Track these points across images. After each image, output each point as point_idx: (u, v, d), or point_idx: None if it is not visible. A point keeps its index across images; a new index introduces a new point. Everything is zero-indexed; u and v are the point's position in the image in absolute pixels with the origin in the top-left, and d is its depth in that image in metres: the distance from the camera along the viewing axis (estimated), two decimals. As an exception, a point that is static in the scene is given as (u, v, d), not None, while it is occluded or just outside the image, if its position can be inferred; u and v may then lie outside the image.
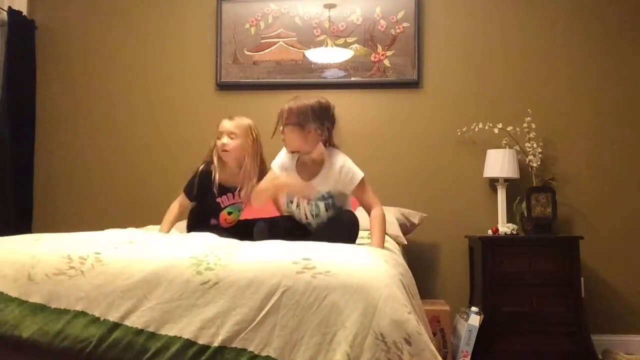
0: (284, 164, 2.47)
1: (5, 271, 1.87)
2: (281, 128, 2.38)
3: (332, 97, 3.68)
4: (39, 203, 4.07)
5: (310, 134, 2.32)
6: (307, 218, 2.43)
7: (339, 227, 2.32)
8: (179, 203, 2.72)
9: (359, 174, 2.35)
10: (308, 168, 2.41)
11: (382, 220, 2.33)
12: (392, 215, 3.28)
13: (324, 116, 2.34)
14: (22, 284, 1.83)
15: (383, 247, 2.32)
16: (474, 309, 3.18)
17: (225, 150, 2.60)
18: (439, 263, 3.76)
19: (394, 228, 3.17)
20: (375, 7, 3.86)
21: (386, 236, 2.56)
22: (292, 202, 2.46)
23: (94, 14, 4.12)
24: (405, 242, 3.19)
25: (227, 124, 2.64)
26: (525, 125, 3.60)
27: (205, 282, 1.73)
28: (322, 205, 2.39)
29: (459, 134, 3.75)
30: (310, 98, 2.35)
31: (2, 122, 3.86)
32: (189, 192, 2.69)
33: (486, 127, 3.63)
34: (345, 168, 2.34)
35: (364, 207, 2.39)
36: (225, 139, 2.59)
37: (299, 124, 2.32)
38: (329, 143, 2.39)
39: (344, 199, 2.44)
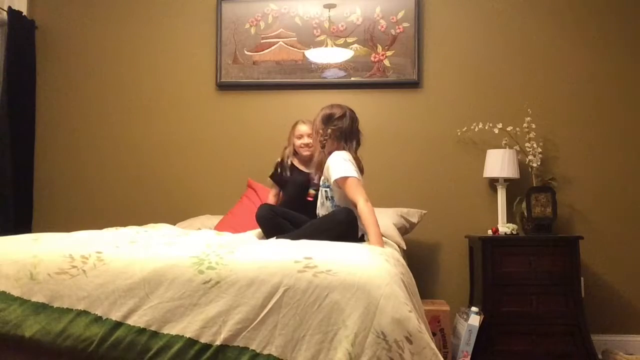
0: None
1: (7, 271, 1.87)
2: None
3: (332, 97, 3.75)
4: (39, 203, 4.06)
5: (315, 137, 2.82)
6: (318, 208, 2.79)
7: (326, 223, 2.56)
8: (272, 193, 3.37)
9: (338, 173, 2.58)
10: (319, 166, 2.82)
11: (367, 214, 2.48)
12: (390, 220, 3.28)
13: (327, 123, 2.76)
14: (24, 284, 1.83)
15: (380, 239, 2.38)
16: (474, 309, 3.18)
17: (309, 147, 3.22)
18: (439, 263, 3.76)
19: (393, 234, 3.17)
20: (375, 7, 3.86)
21: (385, 238, 2.73)
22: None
23: (94, 14, 4.12)
24: (405, 247, 3.19)
25: (305, 128, 3.26)
26: (525, 125, 3.60)
27: (207, 281, 1.74)
28: (323, 191, 2.74)
29: (459, 134, 3.75)
30: (325, 108, 2.83)
31: (2, 122, 3.86)
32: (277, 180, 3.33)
33: (486, 127, 3.64)
34: (330, 166, 2.64)
35: (352, 203, 2.59)
36: (305, 139, 3.24)
37: (315, 131, 2.84)
38: (340, 145, 2.74)
39: (339, 194, 2.65)
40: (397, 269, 1.90)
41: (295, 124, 3.34)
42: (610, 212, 3.66)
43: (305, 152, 3.27)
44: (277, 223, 2.69)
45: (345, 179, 2.55)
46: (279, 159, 3.34)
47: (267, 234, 2.64)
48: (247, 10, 3.94)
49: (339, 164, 2.60)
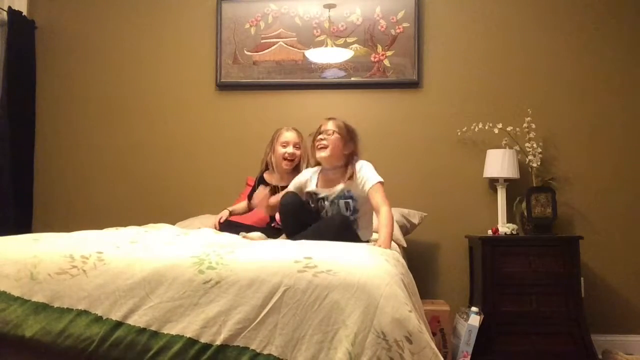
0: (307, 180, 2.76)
1: (7, 271, 1.87)
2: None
3: (332, 97, 3.76)
4: (39, 203, 4.07)
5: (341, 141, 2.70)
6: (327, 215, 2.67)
7: (325, 226, 2.52)
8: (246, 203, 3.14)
9: (376, 178, 2.56)
10: (331, 176, 2.71)
11: (388, 219, 2.46)
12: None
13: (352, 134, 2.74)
14: (24, 284, 1.83)
15: (389, 245, 2.37)
16: (474, 309, 3.18)
17: (292, 160, 2.96)
18: (439, 263, 3.76)
19: (395, 231, 3.17)
20: (375, 7, 3.86)
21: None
22: (324, 199, 2.68)
23: (94, 14, 4.12)
24: (405, 245, 3.19)
25: (292, 135, 2.99)
26: (525, 125, 3.60)
27: (207, 281, 1.74)
28: (342, 203, 2.63)
29: (459, 134, 3.75)
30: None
31: (2, 122, 3.86)
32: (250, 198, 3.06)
33: (486, 127, 3.64)
34: (365, 173, 2.60)
35: (374, 207, 2.55)
36: (290, 149, 2.95)
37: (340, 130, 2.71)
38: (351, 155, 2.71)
39: (364, 200, 2.62)
40: (397, 269, 1.90)
41: (279, 130, 3.06)
42: (610, 212, 3.66)
43: (287, 166, 2.98)
44: (302, 213, 2.61)
45: (381, 183, 2.58)
46: (259, 176, 3.11)
47: (289, 223, 2.58)
48: (247, 10, 3.95)
49: (372, 170, 2.62)
